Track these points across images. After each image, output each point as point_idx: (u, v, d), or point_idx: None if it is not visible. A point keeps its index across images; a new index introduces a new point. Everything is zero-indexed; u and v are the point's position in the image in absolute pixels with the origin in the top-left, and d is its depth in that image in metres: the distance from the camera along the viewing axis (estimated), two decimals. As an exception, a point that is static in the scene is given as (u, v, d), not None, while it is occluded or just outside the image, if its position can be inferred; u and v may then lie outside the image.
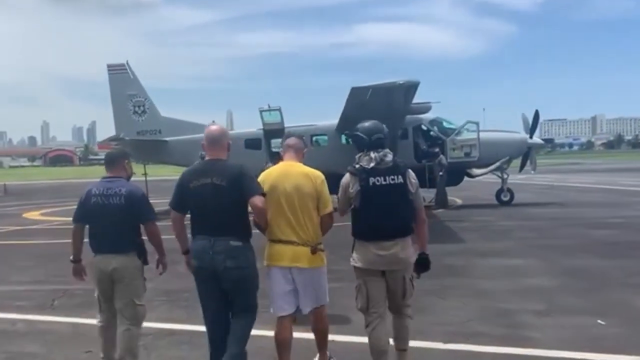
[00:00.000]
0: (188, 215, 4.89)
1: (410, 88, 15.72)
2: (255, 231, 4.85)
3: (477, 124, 20.42)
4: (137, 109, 22.56)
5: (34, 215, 22.42)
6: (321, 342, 5.21)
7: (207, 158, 4.81)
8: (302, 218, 4.83)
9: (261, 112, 20.27)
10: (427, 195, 20.57)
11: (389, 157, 4.83)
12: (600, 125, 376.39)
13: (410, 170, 4.86)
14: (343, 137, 21.22)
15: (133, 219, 5.08)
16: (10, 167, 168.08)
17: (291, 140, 5.22)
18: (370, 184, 4.71)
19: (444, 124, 21.08)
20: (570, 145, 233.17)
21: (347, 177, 4.84)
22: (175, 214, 4.85)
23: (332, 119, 20.17)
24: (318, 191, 4.90)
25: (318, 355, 5.28)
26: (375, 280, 4.78)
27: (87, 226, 5.20)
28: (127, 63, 22.74)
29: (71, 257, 5.25)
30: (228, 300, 4.74)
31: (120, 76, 22.60)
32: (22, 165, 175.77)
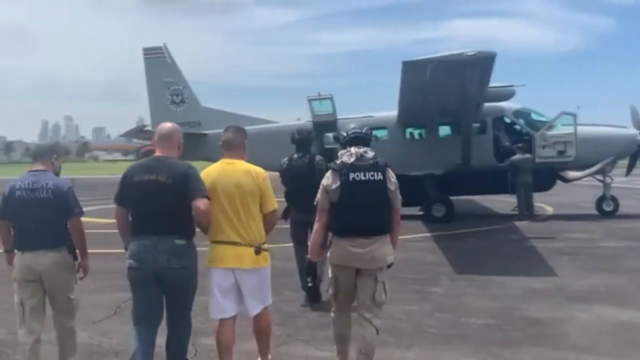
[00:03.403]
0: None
1: (484, 63, 12.06)
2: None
3: (573, 116, 16.42)
4: (174, 98, 20.01)
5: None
6: (263, 345, 5.05)
7: (155, 154, 4.73)
8: (244, 217, 4.73)
9: (310, 101, 17.27)
10: (510, 202, 17.00)
11: (370, 154, 4.80)
12: None
13: (390, 169, 4.82)
14: (408, 131, 17.94)
15: (61, 213, 4.89)
16: (105, 161, 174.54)
17: (227, 135, 5.03)
18: (350, 179, 4.69)
19: (532, 115, 17.18)
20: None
21: (328, 173, 4.83)
22: (119, 208, 4.76)
23: (392, 109, 16.77)
24: (260, 188, 4.81)
25: (259, 358, 5.12)
26: (347, 277, 4.78)
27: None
28: (165, 46, 20.19)
29: (2, 249, 5.12)
30: (163, 303, 4.61)
31: (156, 61, 20.06)
32: (115, 160, 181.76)
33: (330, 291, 4.95)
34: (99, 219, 16.49)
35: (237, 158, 4.97)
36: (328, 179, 4.78)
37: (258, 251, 4.77)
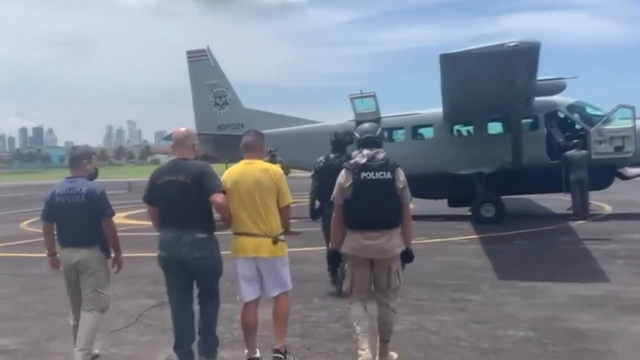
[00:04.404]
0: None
1: (528, 54, 11.27)
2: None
3: (632, 109, 15.41)
4: (218, 100, 19.91)
5: (117, 218, 20.33)
6: (280, 328, 5.38)
7: (174, 157, 5.35)
8: (263, 211, 5.22)
9: (352, 99, 16.84)
10: (568, 201, 16.11)
11: (381, 155, 5.20)
12: None
13: (399, 169, 5.19)
14: (455, 129, 17.27)
15: (94, 215, 5.48)
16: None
17: (248, 138, 5.52)
18: (362, 177, 5.11)
19: (588, 109, 16.24)
20: None
21: (343, 172, 5.25)
22: (149, 207, 5.36)
23: (439, 106, 16.11)
24: (277, 185, 5.30)
25: (275, 338, 5.42)
26: (362, 267, 5.21)
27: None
28: (208, 49, 20.15)
29: (46, 252, 5.76)
30: (191, 288, 5.24)
31: (200, 63, 20.02)
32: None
33: (345, 287, 5.42)
34: (143, 221, 16.51)
35: (256, 158, 5.44)
36: (342, 177, 5.20)
37: (275, 241, 5.23)
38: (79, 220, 5.45)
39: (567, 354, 5.46)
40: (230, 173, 5.37)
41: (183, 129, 5.52)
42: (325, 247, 8.40)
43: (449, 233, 13.64)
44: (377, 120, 16.41)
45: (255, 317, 5.34)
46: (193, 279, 5.22)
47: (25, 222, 19.78)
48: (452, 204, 17.12)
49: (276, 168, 5.47)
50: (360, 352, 5.06)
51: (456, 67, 11.74)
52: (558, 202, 17.77)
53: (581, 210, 15.07)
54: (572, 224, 14.37)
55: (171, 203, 5.10)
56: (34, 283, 9.65)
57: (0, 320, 7.41)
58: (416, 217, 15.90)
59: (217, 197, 5.05)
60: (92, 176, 5.94)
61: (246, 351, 5.35)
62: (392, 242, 5.11)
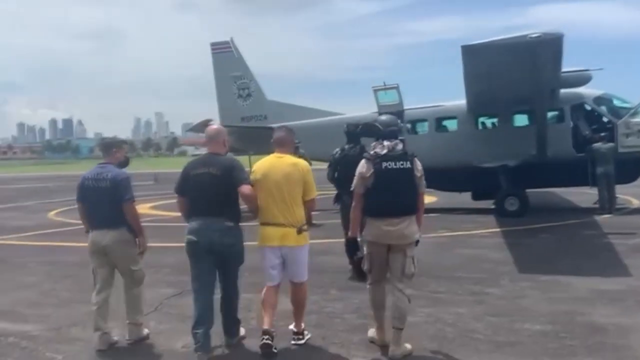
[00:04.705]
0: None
1: (551, 45, 11.09)
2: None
3: (661, 100, 15.17)
4: (241, 92, 20.03)
5: (143, 208, 20.57)
6: (298, 312, 5.83)
7: (207, 152, 5.71)
8: (289, 203, 5.54)
9: (375, 91, 16.75)
10: (594, 194, 15.84)
11: (400, 146, 5.49)
12: None
13: (417, 159, 5.46)
14: (479, 121, 17.09)
15: (116, 199, 5.83)
16: (192, 155, 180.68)
17: (280, 134, 5.85)
18: (383, 167, 5.37)
19: (615, 101, 15.97)
20: None
21: (363, 162, 5.50)
22: (180, 197, 5.74)
23: (464, 98, 15.93)
24: (304, 179, 5.63)
25: (294, 323, 5.85)
26: (380, 253, 5.48)
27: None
28: (232, 40, 20.26)
29: (85, 230, 6.12)
30: (215, 274, 5.56)
31: (223, 55, 20.16)
32: (201, 154, 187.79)
33: (366, 266, 5.63)
34: (168, 212, 16.72)
35: (286, 153, 5.76)
36: (363, 167, 5.46)
37: (300, 231, 5.56)
38: (105, 204, 5.84)
39: (584, 349, 5.40)
40: (261, 166, 5.69)
41: (215, 126, 6.04)
42: (344, 238, 8.52)
43: (472, 226, 13.56)
44: (401, 112, 16.33)
45: (276, 298, 5.68)
46: (217, 266, 5.54)
47: (53, 212, 20.17)
48: (476, 197, 17.00)
49: (304, 163, 5.78)
50: (370, 330, 5.70)
51: (478, 59, 11.62)
52: (585, 195, 17.53)
53: (607, 204, 14.86)
54: (598, 217, 14.15)
55: (203, 193, 5.45)
56: (58, 271, 9.85)
57: (25, 306, 7.57)
58: (439, 210, 15.92)
59: (245, 189, 5.42)
60: (123, 164, 6.27)
61: (263, 328, 5.48)
62: (411, 228, 5.39)
